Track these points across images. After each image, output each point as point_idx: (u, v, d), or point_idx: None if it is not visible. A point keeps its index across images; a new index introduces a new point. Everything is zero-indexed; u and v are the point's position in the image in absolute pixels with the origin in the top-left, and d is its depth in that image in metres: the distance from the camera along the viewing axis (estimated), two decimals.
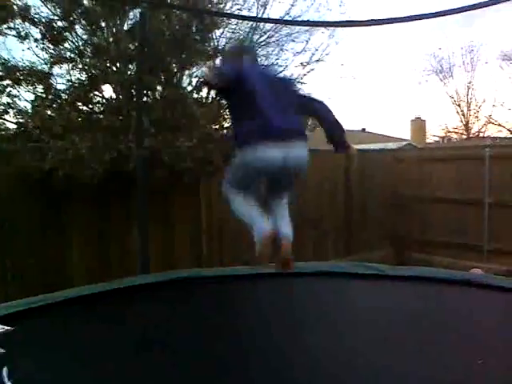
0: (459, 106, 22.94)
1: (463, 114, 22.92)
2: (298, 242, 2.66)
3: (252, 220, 2.32)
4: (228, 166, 2.49)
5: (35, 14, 4.91)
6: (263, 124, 2.16)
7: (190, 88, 5.81)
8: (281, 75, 2.56)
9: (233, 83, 2.22)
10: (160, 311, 3.14)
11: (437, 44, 32.87)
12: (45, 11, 4.98)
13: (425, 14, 3.88)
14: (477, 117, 22.43)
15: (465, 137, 22.16)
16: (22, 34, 4.91)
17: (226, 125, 6.07)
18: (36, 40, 4.96)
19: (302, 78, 7.01)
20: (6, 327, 3.13)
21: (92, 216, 5.02)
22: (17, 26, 4.88)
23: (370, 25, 4.09)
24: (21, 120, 4.85)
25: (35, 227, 4.72)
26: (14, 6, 4.83)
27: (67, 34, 5.05)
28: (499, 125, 20.89)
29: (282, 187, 2.50)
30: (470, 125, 22.83)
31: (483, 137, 20.20)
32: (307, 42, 6.98)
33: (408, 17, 4.14)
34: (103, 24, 5.21)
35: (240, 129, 2.31)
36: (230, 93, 2.32)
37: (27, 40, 4.94)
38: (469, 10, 3.69)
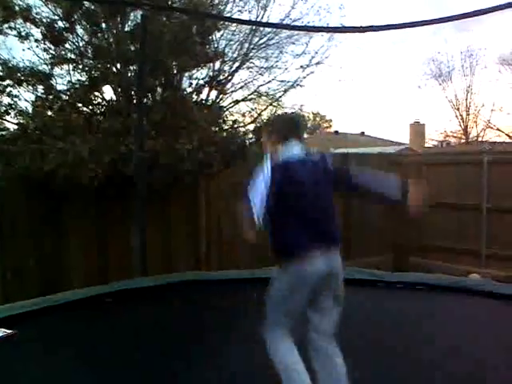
0: (458, 110, 22.98)
1: (462, 119, 22.94)
2: None
3: (289, 378, 1.93)
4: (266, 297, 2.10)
5: (36, 13, 4.91)
6: (309, 233, 2.08)
7: (189, 90, 5.81)
8: (319, 158, 2.22)
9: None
10: (158, 314, 3.13)
11: (436, 48, 32.95)
12: (46, 11, 4.98)
13: (420, 21, 3.91)
14: (475, 121, 22.49)
15: (463, 141, 22.19)
16: (23, 33, 4.91)
17: (226, 127, 6.07)
18: (37, 40, 4.96)
19: (301, 81, 7.04)
20: (8, 330, 3.13)
21: (91, 218, 4.99)
22: (17, 26, 4.88)
23: (367, 31, 4.12)
24: (22, 121, 4.84)
25: (35, 228, 4.70)
26: (16, 6, 4.83)
27: (68, 34, 5.05)
28: (498, 129, 20.97)
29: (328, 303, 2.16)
30: (468, 129, 22.87)
31: (482, 141, 20.23)
32: (307, 44, 6.99)
33: (405, 24, 4.17)
34: (104, 25, 5.21)
35: (283, 238, 2.10)
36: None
37: (28, 40, 4.94)
38: (462, 19, 3.73)
